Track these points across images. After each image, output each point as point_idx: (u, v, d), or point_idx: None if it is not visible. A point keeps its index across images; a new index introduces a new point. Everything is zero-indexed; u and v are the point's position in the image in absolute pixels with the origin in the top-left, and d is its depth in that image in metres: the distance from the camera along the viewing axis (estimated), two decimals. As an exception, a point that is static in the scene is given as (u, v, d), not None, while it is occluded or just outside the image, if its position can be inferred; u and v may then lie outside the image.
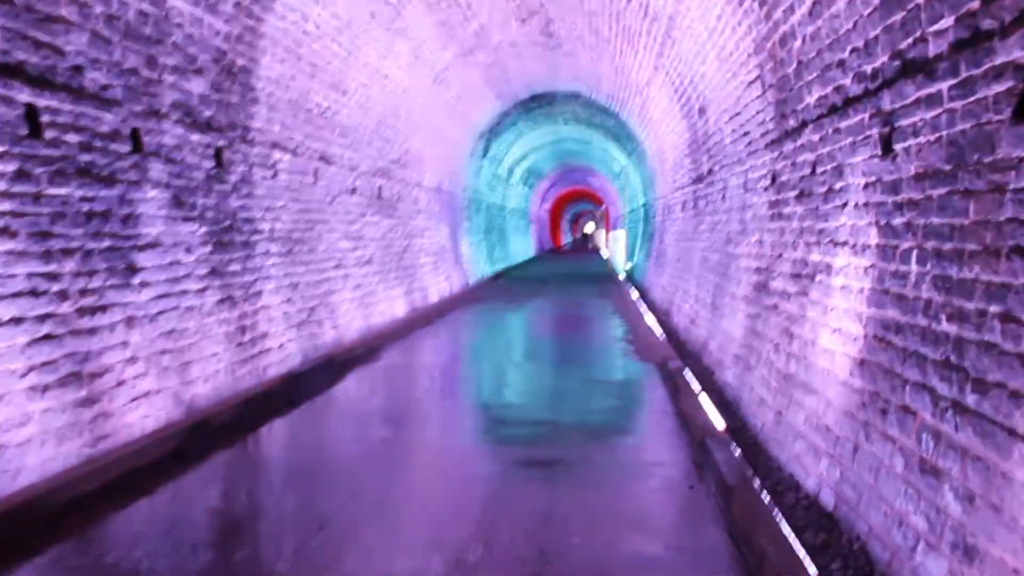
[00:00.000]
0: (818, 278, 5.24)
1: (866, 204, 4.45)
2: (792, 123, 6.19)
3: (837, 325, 4.73)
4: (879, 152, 4.28)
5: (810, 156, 5.65)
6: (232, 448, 5.80)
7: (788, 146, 6.31)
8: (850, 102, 4.77)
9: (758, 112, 7.43)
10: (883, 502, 3.58)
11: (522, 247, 36.15)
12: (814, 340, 5.16)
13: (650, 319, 12.68)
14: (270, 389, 7.32)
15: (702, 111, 10.71)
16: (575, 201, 63.41)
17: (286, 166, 8.73)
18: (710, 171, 10.58)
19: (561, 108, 21.50)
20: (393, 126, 12.83)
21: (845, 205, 4.82)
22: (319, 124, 9.64)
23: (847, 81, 4.82)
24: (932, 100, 3.62)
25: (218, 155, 7.12)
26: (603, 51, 14.20)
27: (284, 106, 8.53)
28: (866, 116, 4.49)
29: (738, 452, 4.93)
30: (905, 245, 3.85)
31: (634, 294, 17.32)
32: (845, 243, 4.76)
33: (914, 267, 3.71)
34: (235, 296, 7.30)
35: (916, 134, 3.81)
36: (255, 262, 7.81)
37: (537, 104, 20.89)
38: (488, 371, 8.60)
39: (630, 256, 25.89)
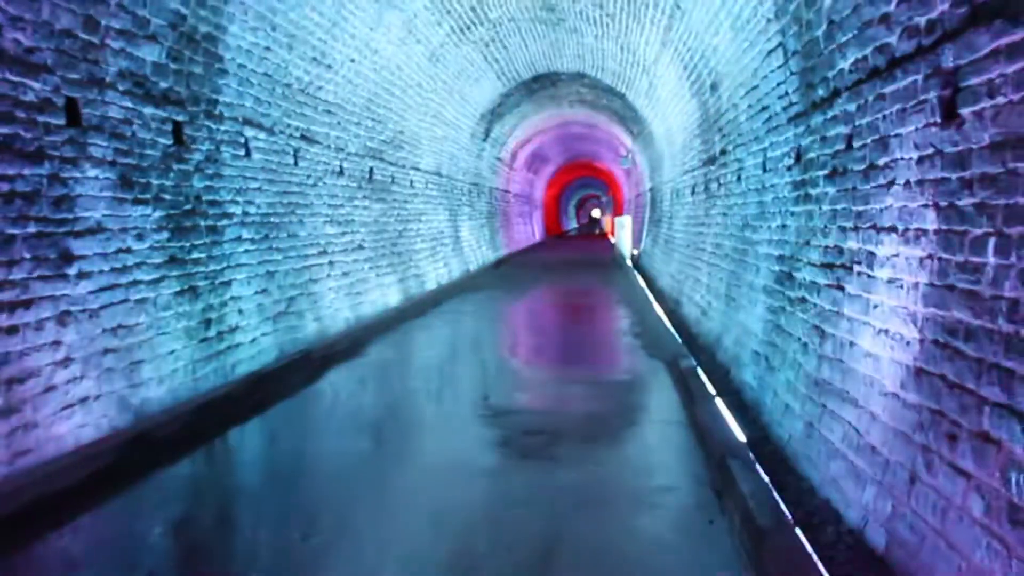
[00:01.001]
0: (857, 269, 4.50)
1: (920, 182, 3.70)
2: (821, 93, 5.42)
3: (883, 325, 3.99)
4: (938, 119, 3.53)
5: (844, 129, 4.89)
6: (178, 463, 5.09)
7: (816, 119, 5.55)
8: (897, 63, 4.01)
9: (779, 84, 6.66)
10: (955, 553, 2.85)
11: (526, 232, 35.37)
12: (852, 341, 4.42)
13: (658, 309, 11.94)
14: (237, 390, 6.61)
15: (714, 87, 9.93)
16: (581, 186, 62.55)
17: (261, 145, 7.99)
18: (723, 151, 9.81)
19: (565, 89, 20.67)
20: (385, 105, 12.07)
21: (891, 184, 4.06)
22: (300, 100, 8.89)
23: (893, 39, 4.06)
24: (1017, 50, 2.87)
25: (177, 131, 6.39)
26: (608, 27, 13.39)
27: (258, 80, 7.78)
28: (919, 78, 3.73)
29: (767, 478, 4.20)
30: (978, 231, 3.10)
31: (641, 282, 16.57)
32: (892, 228, 4.01)
33: (992, 258, 2.97)
34: (198, 287, 6.59)
35: (992, 94, 3.05)
36: (223, 249, 7.08)
37: (540, 85, 20.08)
38: (482, 370, 7.89)
39: (637, 242, 25.12)
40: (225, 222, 7.16)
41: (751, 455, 4.54)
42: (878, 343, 4.03)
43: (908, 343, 3.65)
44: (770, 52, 6.81)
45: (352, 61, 10.06)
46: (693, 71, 10.92)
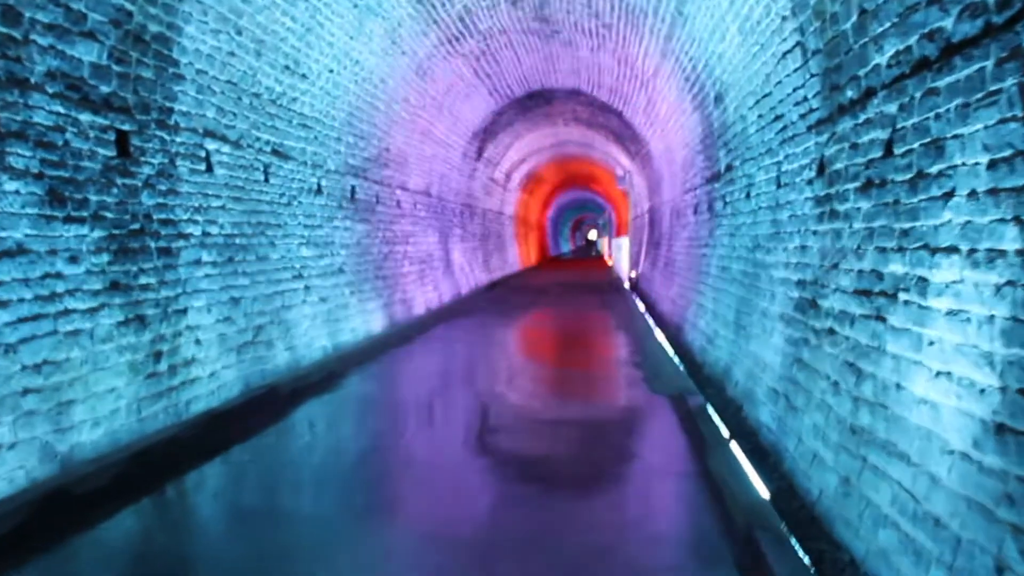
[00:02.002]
0: (903, 297, 3.79)
1: (992, 191, 3.00)
2: (850, 95, 4.74)
3: (943, 366, 3.27)
4: (1018, 112, 2.83)
5: (882, 134, 4.20)
6: (100, 525, 4.31)
7: (844, 125, 4.87)
8: (956, 49, 3.32)
9: (796, 89, 6.00)
10: None
11: (521, 254, 34.70)
12: (900, 383, 3.70)
13: (659, 336, 11.21)
14: (190, 431, 5.86)
15: (719, 99, 9.28)
16: (577, 207, 62.12)
17: (225, 159, 7.29)
18: (729, 167, 9.14)
19: (560, 107, 20.08)
20: (369, 120, 11.40)
21: (950, 195, 3.36)
22: (271, 112, 8.21)
23: (948, 22, 3.38)
24: None
25: (122, 141, 5.68)
26: (604, 38, 12.79)
27: (220, 87, 7.09)
28: (989, 64, 3.04)
29: (806, 557, 3.44)
30: (1085, 251, 2.39)
31: (640, 306, 15.86)
32: (952, 249, 3.30)
33: (1112, 287, 2.26)
34: (147, 315, 5.86)
35: (1098, 76, 2.36)
36: (178, 273, 6.36)
37: (534, 103, 19.48)
38: (467, 408, 7.14)
39: (635, 264, 24.44)
40: (181, 243, 6.44)
41: (781, 523, 3.79)
42: (937, 388, 3.31)
43: (983, 391, 2.93)
44: (785, 54, 6.16)
45: (330, 71, 9.39)
46: (696, 82, 10.28)
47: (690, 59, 10.05)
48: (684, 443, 5.64)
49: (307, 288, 9.06)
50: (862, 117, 4.53)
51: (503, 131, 21.15)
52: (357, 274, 10.98)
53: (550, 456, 5.45)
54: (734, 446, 5.30)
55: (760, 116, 7.36)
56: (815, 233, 5.44)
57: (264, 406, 6.95)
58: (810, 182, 5.65)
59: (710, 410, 6.17)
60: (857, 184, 4.58)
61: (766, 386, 5.98)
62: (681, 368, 8.38)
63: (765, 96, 7.06)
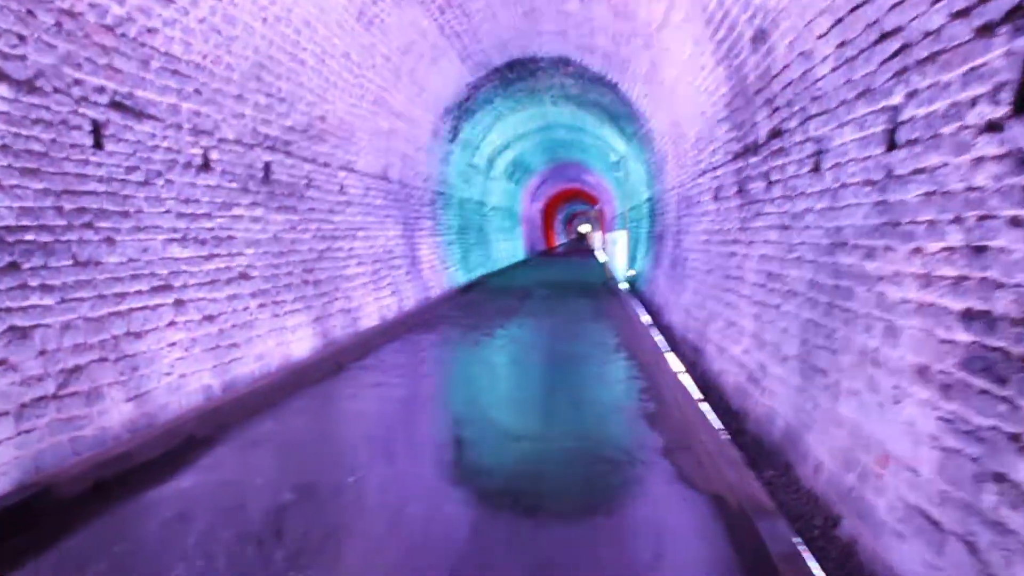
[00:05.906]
0: None
1: None
2: None
3: None
4: None
5: None
6: None
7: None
8: None
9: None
10: None
11: (508, 249, 31.97)
12: None
13: (673, 362, 8.56)
14: None
15: (760, 38, 6.63)
16: (568, 200, 59.51)
17: (3, 108, 4.59)
18: (776, 132, 6.48)
19: (546, 80, 17.38)
20: (291, 77, 8.68)
21: None
22: (105, 44, 5.50)
23: None
24: None
25: None
26: (600, -21, 10.09)
27: (-11, -11, 4.40)
28: None
29: None
30: None
31: (643, 315, 13.19)
32: None
33: None
34: None
35: None
36: None
37: (517, 75, 16.78)
38: (386, 518, 4.49)
39: (632, 262, 21.77)
40: None
41: None
42: None
43: None
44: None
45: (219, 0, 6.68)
46: (722, 23, 7.62)
47: (716, -11, 7.39)
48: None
49: (179, 303, 6.34)
50: None
51: (481, 109, 18.44)
52: (272, 279, 8.25)
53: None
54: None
55: (843, 43, 4.71)
56: (1017, 222, 2.79)
57: (38, 517, 4.25)
58: (993, 127, 3.00)
59: (800, 545, 3.53)
60: None
61: (904, 501, 3.32)
62: (720, 428, 5.75)
63: (859, 6, 4.42)
